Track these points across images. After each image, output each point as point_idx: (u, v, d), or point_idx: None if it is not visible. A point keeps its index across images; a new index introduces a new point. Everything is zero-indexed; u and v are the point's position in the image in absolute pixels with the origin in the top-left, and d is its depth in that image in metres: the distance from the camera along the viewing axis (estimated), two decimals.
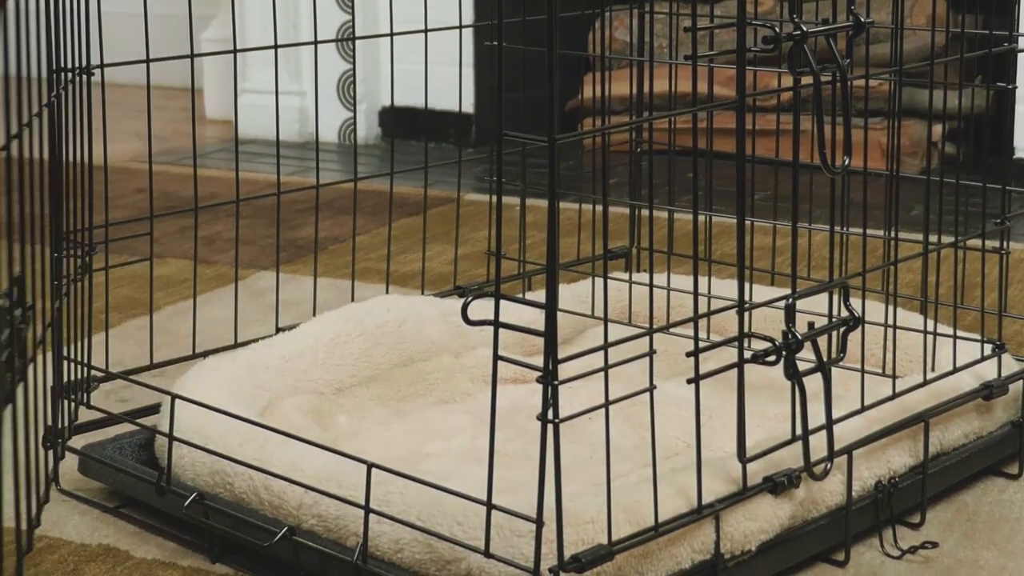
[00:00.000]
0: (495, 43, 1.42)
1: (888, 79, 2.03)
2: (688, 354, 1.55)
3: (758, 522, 1.64)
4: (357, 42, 4.19)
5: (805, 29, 1.56)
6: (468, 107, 4.12)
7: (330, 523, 1.65)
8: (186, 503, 1.73)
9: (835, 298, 1.68)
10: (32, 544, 1.74)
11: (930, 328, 1.95)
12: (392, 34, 2.25)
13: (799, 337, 1.59)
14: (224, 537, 1.73)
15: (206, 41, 4.59)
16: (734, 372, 1.59)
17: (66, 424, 1.90)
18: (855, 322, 1.67)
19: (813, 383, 1.64)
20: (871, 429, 1.78)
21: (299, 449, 1.72)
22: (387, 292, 2.31)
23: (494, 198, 1.43)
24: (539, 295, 2.17)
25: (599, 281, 2.34)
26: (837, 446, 1.69)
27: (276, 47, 2.12)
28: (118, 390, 2.19)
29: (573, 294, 2.35)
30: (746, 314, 1.61)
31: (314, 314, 2.19)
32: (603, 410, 1.50)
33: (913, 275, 2.48)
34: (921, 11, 3.70)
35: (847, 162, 1.62)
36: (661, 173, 2.42)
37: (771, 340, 1.59)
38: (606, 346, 1.50)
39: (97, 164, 1.91)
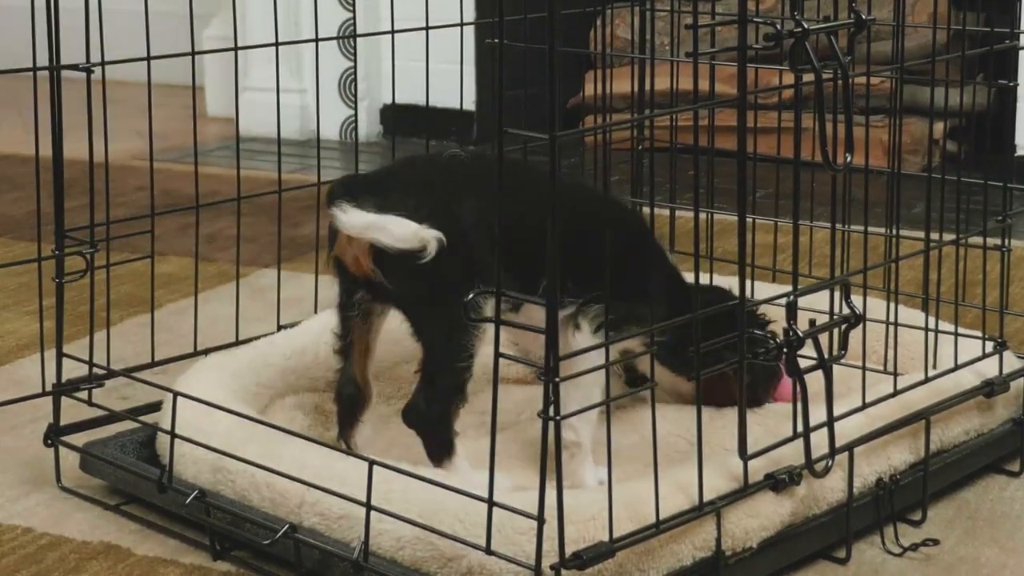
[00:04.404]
0: (496, 40, 1.42)
1: (890, 76, 2.03)
2: (690, 351, 1.55)
3: (759, 519, 1.64)
4: (358, 40, 4.19)
5: (806, 26, 1.56)
6: (469, 104, 4.11)
7: (332, 521, 1.65)
8: (187, 500, 1.73)
9: (836, 295, 1.68)
10: None
11: (931, 325, 1.95)
12: (393, 31, 2.25)
13: (800, 334, 1.59)
14: (225, 534, 1.73)
15: (207, 38, 4.58)
16: None
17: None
18: (856, 319, 1.67)
19: (814, 380, 1.64)
20: (872, 426, 1.78)
21: (301, 446, 1.72)
22: None
23: None
24: None
25: None
26: (838, 443, 1.69)
27: (277, 44, 2.12)
28: (119, 387, 2.19)
29: None
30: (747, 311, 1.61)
31: (315, 312, 2.18)
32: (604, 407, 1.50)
33: (914, 272, 2.47)
34: (923, 8, 3.70)
35: (848, 159, 1.62)
36: (662, 170, 2.42)
37: (773, 337, 1.60)
38: (607, 343, 1.50)
39: (98, 162, 1.90)
